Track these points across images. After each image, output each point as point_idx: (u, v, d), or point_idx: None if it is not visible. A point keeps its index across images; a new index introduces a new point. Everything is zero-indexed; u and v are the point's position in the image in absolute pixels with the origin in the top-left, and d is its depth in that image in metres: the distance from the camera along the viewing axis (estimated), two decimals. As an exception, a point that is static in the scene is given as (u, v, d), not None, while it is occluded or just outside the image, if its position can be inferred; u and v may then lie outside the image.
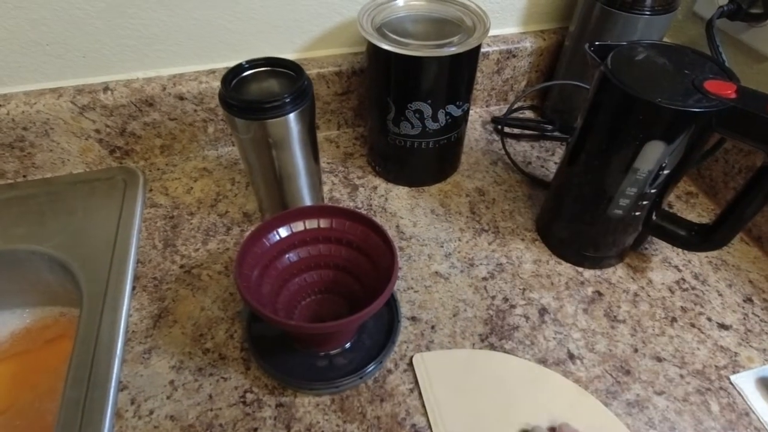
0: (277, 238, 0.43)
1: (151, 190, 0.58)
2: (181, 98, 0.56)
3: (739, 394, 0.42)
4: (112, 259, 0.49)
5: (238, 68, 0.43)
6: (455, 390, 0.42)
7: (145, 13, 0.51)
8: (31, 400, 0.52)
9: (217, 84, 0.56)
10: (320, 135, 0.66)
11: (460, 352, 0.44)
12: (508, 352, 0.44)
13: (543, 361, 0.44)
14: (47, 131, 0.54)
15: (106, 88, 0.54)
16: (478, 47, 0.50)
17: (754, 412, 0.41)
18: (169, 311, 0.46)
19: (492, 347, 0.45)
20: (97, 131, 0.56)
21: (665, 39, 0.60)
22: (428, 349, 0.44)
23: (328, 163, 0.63)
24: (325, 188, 0.59)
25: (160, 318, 0.46)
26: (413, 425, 0.40)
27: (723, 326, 0.47)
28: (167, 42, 0.54)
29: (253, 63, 0.44)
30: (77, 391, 0.40)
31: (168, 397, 0.41)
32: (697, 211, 0.58)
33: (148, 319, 0.46)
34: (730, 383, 0.43)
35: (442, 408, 0.40)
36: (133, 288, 0.48)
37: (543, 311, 0.48)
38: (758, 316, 0.48)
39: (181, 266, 0.50)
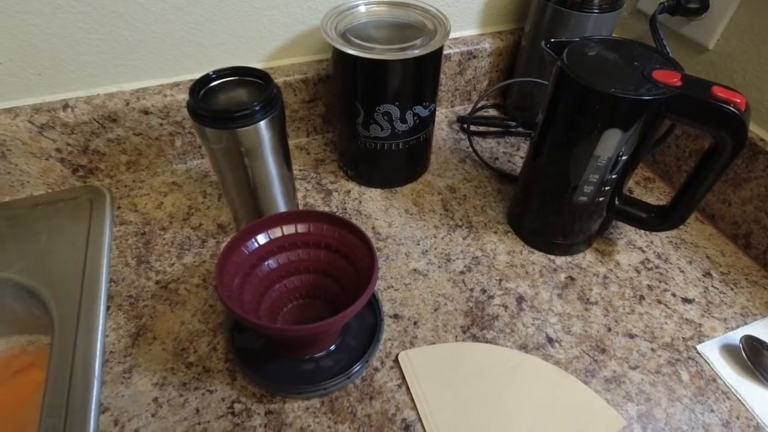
0: (256, 245, 0.43)
1: (119, 208, 0.56)
2: (146, 113, 0.55)
3: (706, 362, 0.45)
4: (83, 280, 0.48)
5: (206, 78, 0.43)
6: (442, 383, 0.42)
7: (104, 29, 0.50)
8: (2, 435, 0.50)
9: (182, 97, 0.56)
10: (290, 143, 0.66)
11: (444, 346, 0.45)
12: (489, 342, 0.46)
13: (524, 347, 0.45)
14: (4, 153, 0.52)
15: (65, 106, 0.53)
16: (441, 49, 0.52)
17: (720, 378, 0.44)
18: (148, 328, 0.45)
19: (474, 338, 0.46)
20: (58, 150, 0.54)
21: (614, 34, 0.63)
22: (412, 344, 0.45)
23: (300, 170, 0.63)
24: (299, 195, 0.59)
25: (139, 336, 0.45)
26: (404, 420, 0.40)
27: (686, 300, 0.50)
28: (129, 56, 0.53)
29: (220, 73, 0.44)
30: (55, 419, 0.39)
31: (153, 415, 0.40)
32: (656, 195, 0.61)
33: (126, 338, 0.44)
34: (697, 353, 0.46)
35: (430, 401, 0.41)
36: (108, 308, 0.47)
37: (520, 299, 0.49)
38: (717, 289, 0.51)
39: (157, 282, 0.49)
